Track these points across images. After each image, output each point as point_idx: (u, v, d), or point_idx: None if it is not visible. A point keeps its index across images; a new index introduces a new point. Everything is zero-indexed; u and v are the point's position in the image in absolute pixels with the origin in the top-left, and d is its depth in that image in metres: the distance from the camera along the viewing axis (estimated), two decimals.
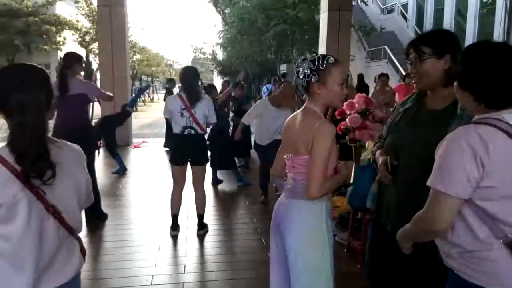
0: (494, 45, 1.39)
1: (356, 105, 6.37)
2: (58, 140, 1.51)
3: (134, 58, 25.25)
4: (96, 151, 4.59)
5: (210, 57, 35.25)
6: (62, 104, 4.14)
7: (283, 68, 24.25)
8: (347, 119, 6.46)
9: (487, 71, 1.34)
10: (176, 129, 3.98)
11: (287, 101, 4.88)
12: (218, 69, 31.64)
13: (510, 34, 12.27)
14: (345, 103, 6.33)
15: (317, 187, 1.88)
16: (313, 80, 1.92)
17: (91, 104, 4.68)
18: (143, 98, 29.24)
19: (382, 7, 21.19)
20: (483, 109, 1.37)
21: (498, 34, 13.77)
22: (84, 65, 15.10)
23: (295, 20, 14.65)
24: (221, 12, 23.87)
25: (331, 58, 1.93)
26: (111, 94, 4.66)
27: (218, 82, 42.80)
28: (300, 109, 2.06)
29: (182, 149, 4.02)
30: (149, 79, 43.03)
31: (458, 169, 1.29)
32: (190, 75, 4.01)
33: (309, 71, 1.93)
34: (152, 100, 32.77)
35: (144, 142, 10.17)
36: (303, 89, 2.04)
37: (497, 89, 1.33)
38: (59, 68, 4.28)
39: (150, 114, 19.96)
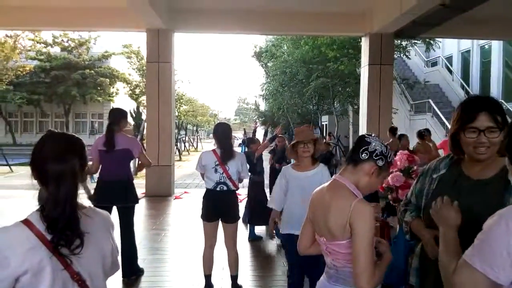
0: None
1: (398, 163, 6.17)
2: (87, 206, 1.54)
3: (181, 109, 26.30)
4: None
5: (253, 107, 36.17)
6: (107, 158, 4.33)
7: (325, 119, 24.33)
8: (389, 177, 6.23)
9: None
10: (209, 185, 3.98)
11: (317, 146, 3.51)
12: (260, 119, 32.28)
13: None
14: None
15: (368, 280, 1.64)
16: (378, 163, 1.79)
17: (133, 159, 4.81)
18: (187, 148, 30.05)
19: (426, 59, 21.06)
20: None
21: None
22: (134, 115, 15.67)
23: (336, 73, 14.82)
24: (264, 65, 24.67)
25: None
26: (151, 161, 4.76)
27: (260, 132, 43.42)
28: (328, 182, 1.89)
29: (214, 205, 3.99)
30: (195, 128, 44.47)
31: (501, 251, 1.17)
32: (224, 132, 4.05)
33: (380, 152, 1.79)
34: (196, 149, 33.57)
35: (185, 192, 10.32)
36: (350, 158, 1.85)
37: None
38: (107, 125, 4.43)
39: (193, 164, 20.34)
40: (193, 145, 35.08)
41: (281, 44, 20.04)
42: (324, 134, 22.35)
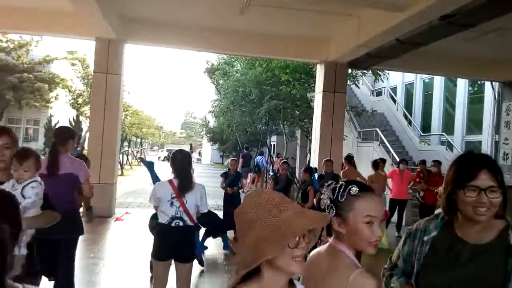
0: None
1: None
2: (20, 285, 1.15)
3: (126, 121, 25.24)
4: None
5: (200, 122, 35.62)
6: (49, 184, 3.79)
7: (273, 139, 24.40)
8: None
9: None
10: (163, 219, 3.60)
11: None
12: (208, 135, 31.83)
13: (500, 122, 12.54)
14: None
15: None
16: (331, 214, 1.54)
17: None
18: (130, 162, 28.78)
19: (372, 89, 21.83)
20: None
21: (488, 121, 14.09)
22: (74, 125, 14.55)
23: (288, 96, 14.89)
24: (216, 82, 24.39)
25: (355, 188, 1.52)
26: (93, 190, 4.09)
27: (207, 148, 42.77)
28: (325, 246, 1.66)
29: (168, 243, 3.60)
30: (138, 140, 43.00)
31: None
32: (184, 160, 3.72)
33: (328, 202, 1.56)
34: (139, 164, 32.24)
35: (127, 213, 9.62)
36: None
37: None
38: (51, 144, 3.89)
39: (136, 180, 19.42)
40: (136, 159, 33.58)
41: (235, 62, 19.90)
42: (272, 154, 22.38)
